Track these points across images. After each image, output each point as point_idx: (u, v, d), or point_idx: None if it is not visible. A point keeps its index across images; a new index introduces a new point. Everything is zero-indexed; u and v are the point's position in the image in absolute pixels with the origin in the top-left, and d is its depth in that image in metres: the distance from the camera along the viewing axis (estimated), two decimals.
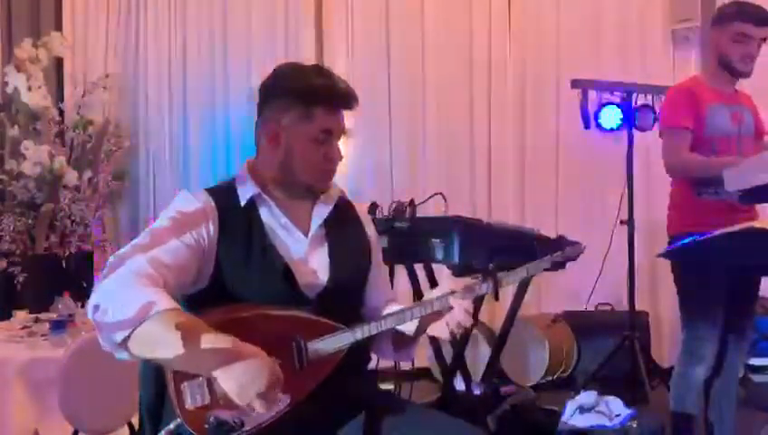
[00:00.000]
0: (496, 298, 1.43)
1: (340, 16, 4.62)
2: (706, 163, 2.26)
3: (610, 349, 3.71)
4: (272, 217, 1.48)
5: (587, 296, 4.24)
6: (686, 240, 1.79)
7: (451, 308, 1.42)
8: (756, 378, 4.12)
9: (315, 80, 1.47)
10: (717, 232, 1.70)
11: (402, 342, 1.57)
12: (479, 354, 3.84)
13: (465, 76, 4.59)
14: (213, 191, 1.49)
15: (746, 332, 2.37)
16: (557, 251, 1.56)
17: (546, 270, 2.78)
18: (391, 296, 1.66)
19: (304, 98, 1.45)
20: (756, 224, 1.74)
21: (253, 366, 1.19)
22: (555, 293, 4.42)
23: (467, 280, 1.46)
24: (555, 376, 4.07)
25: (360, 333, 1.38)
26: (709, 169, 2.20)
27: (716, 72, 2.44)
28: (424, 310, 1.43)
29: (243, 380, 1.18)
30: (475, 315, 2.41)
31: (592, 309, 4.31)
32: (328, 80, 1.48)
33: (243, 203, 1.47)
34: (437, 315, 1.44)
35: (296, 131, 1.46)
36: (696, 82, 2.48)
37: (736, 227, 1.69)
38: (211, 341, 1.20)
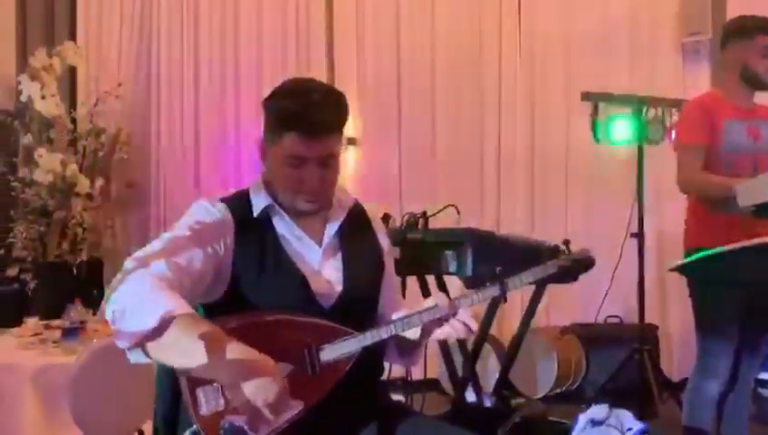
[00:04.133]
0: (504, 300, 1.43)
1: (351, 25, 4.66)
2: (717, 183, 2.25)
3: (619, 362, 3.70)
4: (285, 227, 1.49)
5: (596, 309, 4.23)
6: (700, 254, 1.78)
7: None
8: (766, 392, 4.09)
9: (288, 103, 1.41)
10: (732, 246, 1.70)
11: (406, 347, 1.57)
12: (488, 367, 3.83)
13: (476, 88, 4.62)
14: (228, 201, 1.50)
15: (761, 347, 2.35)
16: (569, 254, 1.56)
17: (559, 281, 2.79)
18: (402, 305, 1.66)
19: (275, 120, 1.44)
20: None
21: (266, 379, 1.20)
22: (564, 305, 4.41)
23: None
24: (563, 388, 4.06)
25: (369, 337, 1.39)
26: (719, 189, 2.20)
27: (735, 86, 2.42)
28: (433, 314, 1.43)
29: (252, 391, 1.19)
30: (485, 328, 2.41)
31: (602, 322, 4.30)
32: (302, 105, 1.40)
33: (256, 213, 1.48)
34: (441, 321, 1.44)
35: (273, 153, 1.46)
36: (711, 96, 2.46)
37: (751, 242, 1.69)
38: (235, 352, 1.21)
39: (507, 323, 4.31)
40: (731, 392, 2.24)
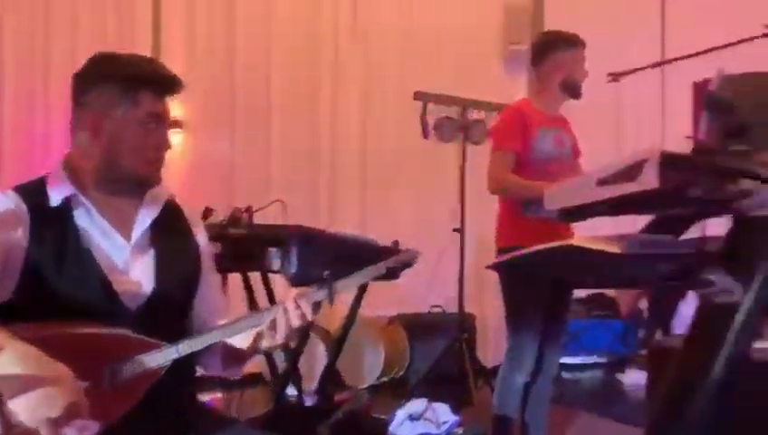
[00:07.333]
0: (331, 303, 1.41)
1: (180, 5, 4.39)
2: (522, 186, 2.41)
3: (441, 350, 3.89)
4: (89, 220, 1.37)
5: (423, 299, 4.42)
6: (511, 254, 1.90)
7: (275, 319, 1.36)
8: (567, 375, 4.53)
9: (140, 64, 1.43)
10: (537, 248, 1.82)
11: (232, 357, 1.50)
12: (316, 357, 3.83)
13: (312, 80, 4.57)
14: (22, 190, 1.36)
15: (561, 338, 2.57)
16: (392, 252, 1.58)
17: (382, 278, 2.82)
18: (222, 307, 1.58)
19: (130, 82, 1.38)
20: (573, 241, 1.87)
21: (47, 393, 1.09)
22: (392, 295, 4.52)
23: (301, 289, 1.42)
24: (389, 377, 4.17)
25: (180, 349, 1.30)
26: (524, 191, 2.37)
27: (551, 96, 2.59)
28: (251, 323, 1.36)
29: (34, 407, 1.08)
30: (307, 327, 2.32)
31: (426, 311, 4.49)
32: (153, 64, 1.45)
33: (55, 204, 1.34)
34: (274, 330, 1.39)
35: (121, 118, 1.37)
36: (526, 105, 2.62)
37: (554, 244, 1.81)
38: (7, 361, 1.09)
39: (335, 313, 4.35)
40: (535, 383, 2.42)
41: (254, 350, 1.43)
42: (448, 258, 4.07)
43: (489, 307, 4.66)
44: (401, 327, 4.27)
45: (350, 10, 4.62)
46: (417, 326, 4.33)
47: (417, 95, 3.82)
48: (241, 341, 1.43)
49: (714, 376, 1.85)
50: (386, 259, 1.55)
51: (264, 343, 1.39)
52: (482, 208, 4.51)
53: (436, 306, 4.51)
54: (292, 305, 1.34)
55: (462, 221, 3.86)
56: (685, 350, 1.97)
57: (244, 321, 1.36)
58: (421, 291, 4.36)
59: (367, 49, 4.65)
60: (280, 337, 1.36)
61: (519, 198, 2.43)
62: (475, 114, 3.90)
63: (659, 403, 2.06)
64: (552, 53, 2.58)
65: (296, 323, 1.35)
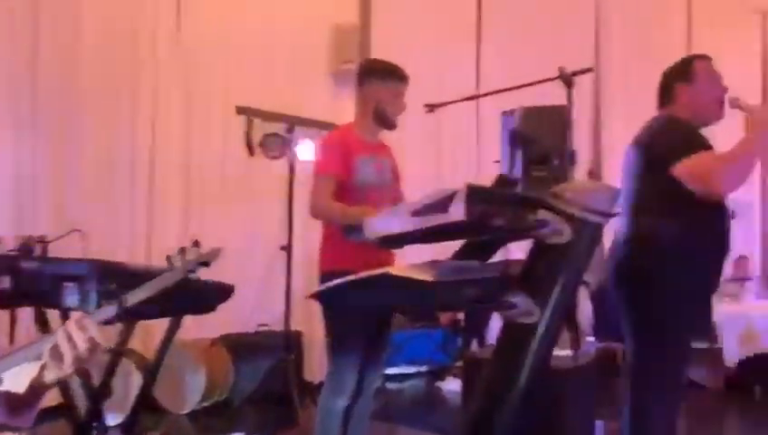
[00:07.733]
0: (122, 320, 1.28)
1: None
2: (343, 212, 2.42)
3: (267, 370, 3.82)
4: None
5: (250, 318, 4.31)
6: (331, 284, 1.90)
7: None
8: (390, 385, 4.67)
9: None
10: (356, 277, 1.84)
11: (16, 404, 1.32)
12: (131, 384, 3.59)
13: (128, 90, 4.23)
14: None
15: (382, 360, 2.60)
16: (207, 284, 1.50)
17: (195, 312, 2.70)
18: (2, 348, 1.39)
19: None
20: (389, 269, 1.93)
21: None
22: (218, 316, 4.31)
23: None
24: (213, 401, 4.02)
25: None
26: (345, 217, 2.38)
27: (368, 123, 2.60)
28: (28, 354, 1.18)
29: None
30: (124, 343, 2.16)
31: (253, 331, 4.38)
32: None
33: None
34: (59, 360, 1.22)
35: None
36: (348, 131, 2.62)
37: (372, 272, 1.85)
38: None
39: (155, 337, 4.10)
40: (356, 403, 2.44)
41: (38, 385, 1.23)
42: (276, 276, 4.01)
43: (317, 324, 4.65)
44: (224, 348, 4.13)
45: (172, 18, 4.37)
46: (243, 346, 4.21)
47: (240, 110, 3.73)
48: (23, 379, 1.25)
49: (519, 386, 1.99)
50: (202, 287, 1.48)
51: (50, 376, 1.20)
52: (309, 226, 4.51)
53: (263, 325, 4.42)
54: (75, 328, 1.18)
55: (289, 238, 3.83)
56: (492, 363, 2.11)
57: (18, 353, 1.18)
58: (248, 310, 4.25)
59: (189, 60, 4.40)
60: (67, 366, 1.18)
61: (340, 223, 2.43)
62: (302, 131, 3.89)
63: (472, 413, 2.18)
64: (368, 81, 2.60)
65: (83, 346, 1.17)
